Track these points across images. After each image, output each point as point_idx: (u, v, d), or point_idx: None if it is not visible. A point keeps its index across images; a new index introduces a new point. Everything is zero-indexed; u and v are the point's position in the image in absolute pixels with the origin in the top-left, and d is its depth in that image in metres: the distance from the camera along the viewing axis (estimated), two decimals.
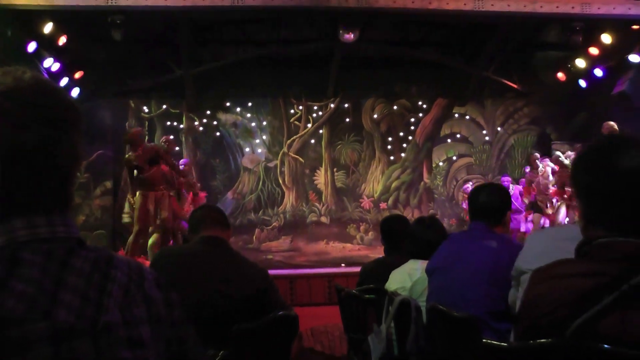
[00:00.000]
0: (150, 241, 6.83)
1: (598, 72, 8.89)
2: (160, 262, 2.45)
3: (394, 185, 10.50)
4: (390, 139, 10.58)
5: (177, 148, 8.76)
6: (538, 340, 1.13)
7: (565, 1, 7.35)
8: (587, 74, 9.11)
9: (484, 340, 1.42)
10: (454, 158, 10.68)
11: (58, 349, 0.73)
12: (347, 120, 10.52)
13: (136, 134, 6.88)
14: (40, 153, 0.81)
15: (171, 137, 8.14)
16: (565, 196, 8.10)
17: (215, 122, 10.25)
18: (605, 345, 1.03)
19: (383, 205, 10.33)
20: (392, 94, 10.59)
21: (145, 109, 10.11)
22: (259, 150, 10.40)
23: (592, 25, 7.89)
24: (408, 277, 3.01)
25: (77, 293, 0.77)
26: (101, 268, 0.82)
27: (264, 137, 10.44)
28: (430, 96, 10.65)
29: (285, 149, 10.37)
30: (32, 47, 7.30)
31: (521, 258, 1.88)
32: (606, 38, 8.24)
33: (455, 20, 8.49)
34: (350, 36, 7.68)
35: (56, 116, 0.84)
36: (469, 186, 9.45)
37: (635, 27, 7.98)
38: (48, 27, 7.31)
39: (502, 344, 1.37)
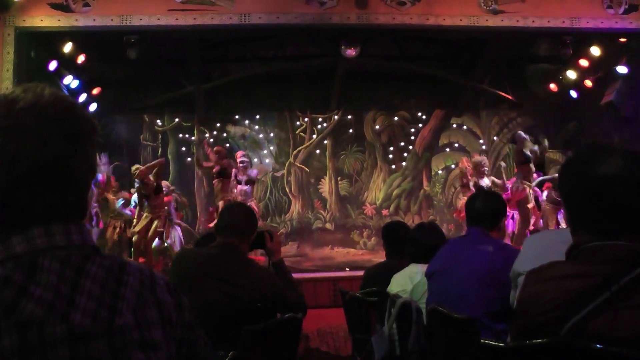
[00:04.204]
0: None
1: (588, 83, 8.87)
2: (178, 262, 2.51)
3: (395, 193, 10.47)
4: (391, 148, 10.55)
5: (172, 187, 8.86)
6: (533, 340, 1.12)
7: (555, 16, 7.34)
8: (578, 84, 9.08)
9: (481, 340, 1.41)
10: (452, 166, 10.64)
11: (75, 350, 0.73)
12: (350, 131, 10.50)
13: (144, 172, 7.52)
14: (59, 165, 0.82)
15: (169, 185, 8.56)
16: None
17: (225, 134, 10.26)
18: (598, 345, 1.02)
19: (385, 212, 10.29)
20: (392, 106, 10.57)
21: (159, 122, 10.14)
22: (267, 161, 10.40)
23: (581, 39, 7.88)
24: (409, 280, 3.00)
25: (93, 297, 0.78)
26: (115, 274, 0.82)
27: (271, 148, 10.44)
28: (428, 108, 10.62)
29: (291, 160, 10.36)
30: (53, 66, 7.35)
31: (518, 261, 1.87)
32: (595, 50, 8.23)
33: (451, 35, 8.50)
34: (352, 52, 7.68)
35: (74, 130, 0.84)
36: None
37: (622, 39, 7.97)
38: (68, 47, 7.36)
39: (499, 344, 1.36)
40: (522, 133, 8.67)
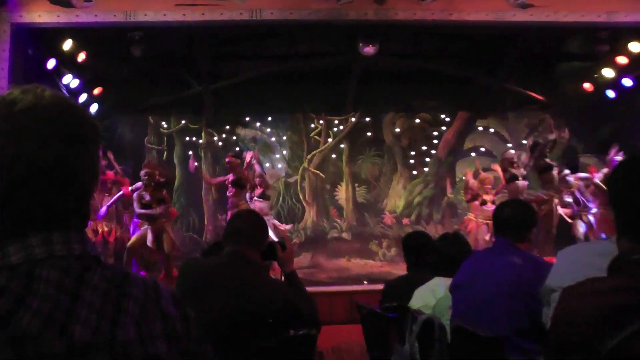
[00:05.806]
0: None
1: (627, 82, 8.75)
2: (185, 273, 2.51)
3: (416, 200, 10.43)
4: (411, 153, 10.51)
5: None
6: None
7: (590, 9, 7.27)
8: (615, 84, 8.98)
9: None
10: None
11: None
12: (368, 134, 10.49)
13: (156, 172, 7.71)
14: (59, 169, 0.82)
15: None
16: None
17: (234, 137, 10.30)
18: None
19: (405, 220, 10.24)
20: (412, 107, 10.53)
21: (165, 124, 10.21)
22: (279, 166, 10.42)
23: (619, 34, 7.80)
24: (432, 295, 2.98)
25: (93, 309, 0.78)
26: (117, 285, 0.83)
27: (284, 152, 10.46)
28: (451, 109, 10.57)
29: (305, 164, 10.37)
30: (51, 64, 7.40)
31: (551, 276, 1.85)
32: (634, 46, 8.13)
33: (476, 32, 8.46)
34: (370, 49, 7.68)
35: (75, 133, 0.85)
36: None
37: None
38: (68, 45, 7.40)
39: None
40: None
